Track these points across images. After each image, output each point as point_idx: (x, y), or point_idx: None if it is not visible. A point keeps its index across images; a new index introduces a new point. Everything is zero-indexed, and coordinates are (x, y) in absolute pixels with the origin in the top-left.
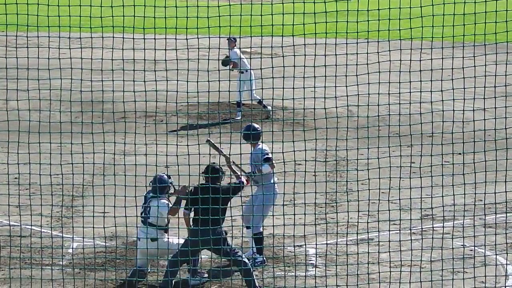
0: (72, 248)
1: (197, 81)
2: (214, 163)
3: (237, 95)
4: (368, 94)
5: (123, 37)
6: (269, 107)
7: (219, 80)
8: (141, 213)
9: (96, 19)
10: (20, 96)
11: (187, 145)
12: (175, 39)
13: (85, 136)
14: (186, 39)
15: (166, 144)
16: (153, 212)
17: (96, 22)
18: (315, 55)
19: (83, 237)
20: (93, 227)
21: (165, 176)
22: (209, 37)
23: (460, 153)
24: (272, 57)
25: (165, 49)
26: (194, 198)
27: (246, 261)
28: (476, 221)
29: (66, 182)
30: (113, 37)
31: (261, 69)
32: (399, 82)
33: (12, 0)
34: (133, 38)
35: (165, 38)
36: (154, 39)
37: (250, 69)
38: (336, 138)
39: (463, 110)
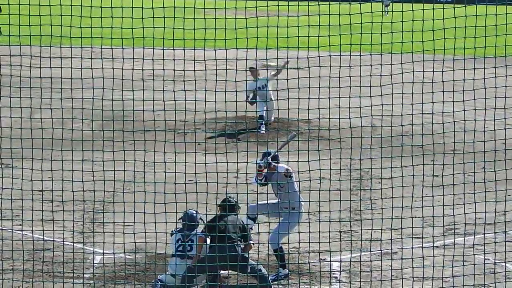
0: (93, 262)
1: (225, 91)
2: (230, 196)
3: (260, 109)
4: (392, 106)
5: (153, 48)
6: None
7: (246, 90)
8: (177, 248)
9: (117, 30)
10: (44, 109)
11: (216, 161)
12: (204, 49)
13: (109, 150)
14: (214, 49)
15: (194, 154)
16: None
17: (117, 34)
18: (339, 66)
19: (102, 252)
20: (113, 242)
21: (195, 213)
22: (236, 49)
23: (483, 168)
24: (297, 69)
25: (194, 61)
26: (211, 227)
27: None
28: (499, 235)
29: (89, 195)
30: (143, 48)
31: (287, 79)
32: (422, 93)
33: (35, 11)
34: (163, 49)
35: (194, 49)
36: (183, 49)
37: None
38: (360, 153)
39: (484, 120)
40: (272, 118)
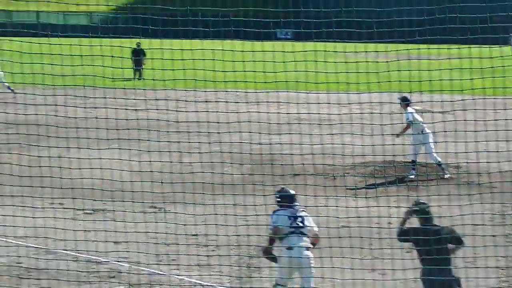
0: None
1: (372, 135)
2: (422, 202)
3: (412, 153)
4: None
5: (297, 92)
6: (447, 175)
7: (392, 134)
8: (291, 224)
9: (260, 74)
10: (193, 153)
11: (367, 205)
12: (347, 93)
13: (261, 194)
14: (358, 93)
15: (345, 198)
16: (308, 223)
17: (260, 78)
18: (484, 110)
19: None
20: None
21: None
22: (380, 92)
23: None
24: (443, 113)
25: (338, 104)
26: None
27: None
28: None
29: (243, 240)
30: (287, 91)
31: (433, 124)
32: None
33: (177, 56)
34: (307, 93)
35: (337, 93)
36: (327, 93)
37: (427, 131)
38: None
39: None
40: (439, 159)
